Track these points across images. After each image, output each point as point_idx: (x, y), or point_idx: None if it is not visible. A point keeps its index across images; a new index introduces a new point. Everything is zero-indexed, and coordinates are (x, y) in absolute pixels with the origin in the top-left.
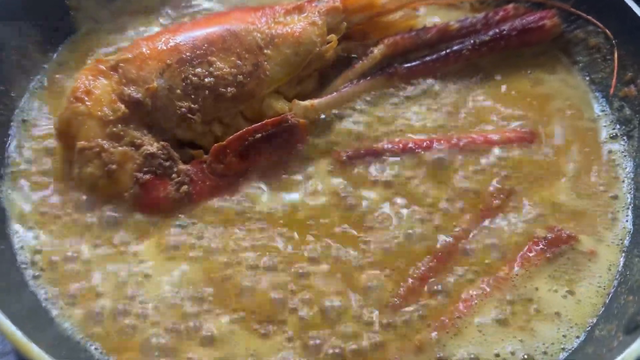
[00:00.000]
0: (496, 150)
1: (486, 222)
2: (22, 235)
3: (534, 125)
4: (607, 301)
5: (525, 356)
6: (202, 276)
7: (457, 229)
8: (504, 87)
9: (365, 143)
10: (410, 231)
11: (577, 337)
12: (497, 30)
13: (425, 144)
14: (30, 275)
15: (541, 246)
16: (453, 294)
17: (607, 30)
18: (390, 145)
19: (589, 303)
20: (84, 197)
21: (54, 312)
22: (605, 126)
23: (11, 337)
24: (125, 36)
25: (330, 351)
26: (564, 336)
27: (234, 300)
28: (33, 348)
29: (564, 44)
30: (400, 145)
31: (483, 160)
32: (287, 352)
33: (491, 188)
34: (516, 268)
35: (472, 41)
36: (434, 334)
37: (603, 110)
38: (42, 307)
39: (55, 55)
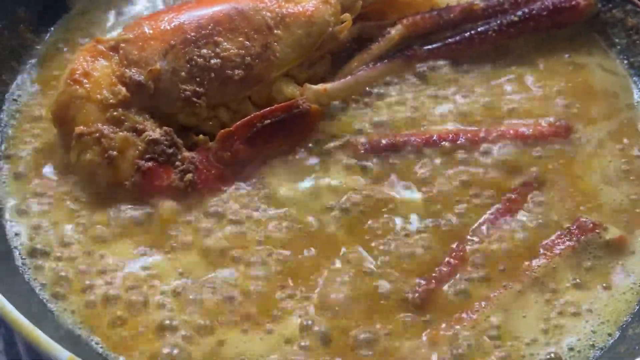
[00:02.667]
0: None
1: (509, 215)
2: (15, 224)
3: (568, 116)
4: None
5: (552, 354)
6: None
7: (478, 222)
8: (534, 73)
9: (384, 133)
10: (431, 227)
11: (609, 334)
12: (526, 10)
13: (450, 136)
14: (26, 264)
15: (564, 235)
16: (474, 291)
17: None
18: (412, 138)
19: (622, 299)
20: (82, 185)
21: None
22: None
23: (18, 326)
24: (123, 15)
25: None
26: (594, 332)
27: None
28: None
29: (600, 25)
30: (424, 138)
31: (512, 151)
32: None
33: (519, 179)
34: (539, 259)
35: (498, 22)
36: (454, 328)
37: None
38: (39, 298)
39: (47, 35)
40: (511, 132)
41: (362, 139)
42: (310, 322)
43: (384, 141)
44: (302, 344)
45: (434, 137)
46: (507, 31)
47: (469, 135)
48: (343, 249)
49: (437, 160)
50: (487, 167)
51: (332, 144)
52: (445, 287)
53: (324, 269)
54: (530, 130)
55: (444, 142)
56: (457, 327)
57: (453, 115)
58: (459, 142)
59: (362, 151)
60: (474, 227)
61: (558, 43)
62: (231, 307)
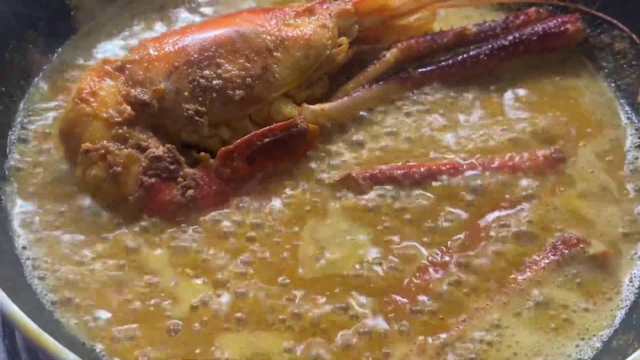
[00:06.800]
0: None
1: (492, 229)
2: (24, 239)
3: (557, 135)
4: (627, 312)
5: None
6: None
7: (459, 236)
8: (525, 96)
9: (380, 161)
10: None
11: (593, 347)
12: (517, 35)
13: (447, 168)
14: (34, 275)
15: (549, 250)
16: (454, 304)
17: (634, 35)
18: (406, 171)
19: (606, 313)
20: (88, 201)
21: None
22: (631, 135)
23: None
24: (127, 37)
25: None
26: (577, 345)
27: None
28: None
29: (589, 49)
30: (420, 170)
31: (504, 177)
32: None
33: (506, 196)
34: (524, 273)
35: (490, 45)
36: (438, 337)
37: (629, 118)
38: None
39: (55, 56)
40: (510, 163)
41: (358, 169)
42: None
43: (379, 174)
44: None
45: (434, 168)
46: (499, 54)
47: (464, 166)
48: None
49: (436, 197)
50: (472, 190)
51: (325, 168)
52: (424, 299)
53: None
54: (528, 162)
55: (443, 177)
56: (444, 336)
57: (448, 143)
58: (456, 176)
59: (361, 182)
60: (455, 238)
61: (548, 66)
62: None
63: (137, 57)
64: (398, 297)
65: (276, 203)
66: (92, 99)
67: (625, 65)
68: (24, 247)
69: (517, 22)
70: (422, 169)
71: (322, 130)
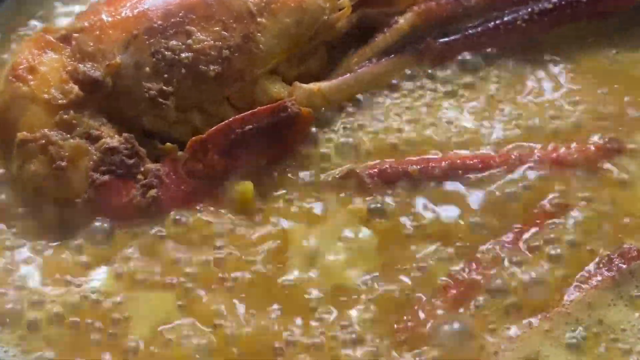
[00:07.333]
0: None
1: (531, 239)
2: None
3: (612, 126)
4: None
5: None
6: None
7: (489, 246)
8: (572, 72)
9: (390, 154)
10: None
11: None
12: None
13: (475, 163)
14: None
15: (603, 264)
16: (483, 331)
17: None
18: (423, 166)
19: None
20: (25, 201)
21: None
22: None
23: None
24: (75, 1)
25: None
26: None
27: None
28: None
29: None
30: (443, 165)
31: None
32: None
33: (549, 196)
34: (571, 293)
35: (529, 9)
36: None
37: None
38: None
39: None
40: (553, 155)
41: (365, 164)
42: None
43: (390, 170)
44: None
45: (458, 162)
46: (540, 21)
47: (496, 160)
48: None
49: (459, 197)
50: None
51: (324, 162)
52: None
53: None
54: (576, 154)
55: (469, 173)
56: None
57: (475, 131)
58: (488, 171)
59: (368, 180)
60: (485, 249)
61: (602, 36)
62: None
63: (86, 25)
64: (410, 323)
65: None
66: (30, 77)
67: None
68: None
69: None
70: (443, 164)
71: (318, 115)
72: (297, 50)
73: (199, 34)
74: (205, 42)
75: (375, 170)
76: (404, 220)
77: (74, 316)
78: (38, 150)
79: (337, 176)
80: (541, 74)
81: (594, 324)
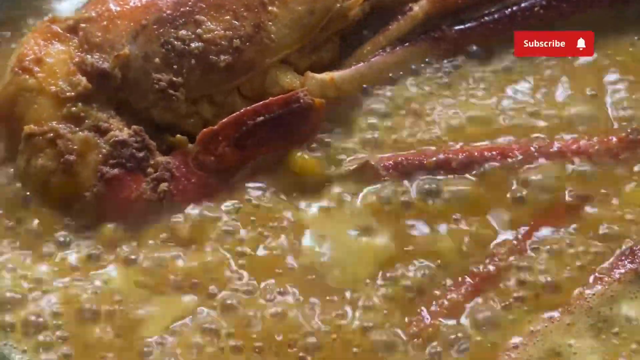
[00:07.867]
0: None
1: (547, 232)
2: None
3: (635, 117)
4: None
5: None
6: None
7: (508, 238)
8: (594, 60)
9: (406, 146)
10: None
11: None
12: None
13: (493, 154)
14: None
15: (626, 256)
16: (503, 325)
17: None
18: (440, 158)
19: None
20: (32, 197)
21: None
22: None
23: None
24: None
25: None
26: None
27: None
28: None
29: None
30: (460, 156)
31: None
32: None
33: (569, 189)
34: (593, 286)
35: None
36: None
37: None
38: None
39: None
40: (575, 146)
41: (380, 154)
42: None
43: (406, 161)
44: None
45: (476, 154)
46: (559, 7)
47: (517, 150)
48: None
49: (478, 187)
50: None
51: (338, 152)
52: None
53: None
54: (597, 144)
55: (487, 165)
56: None
57: (493, 122)
58: (505, 164)
59: (383, 171)
60: (503, 242)
61: (625, 22)
62: None
63: (93, 14)
64: (426, 319)
65: (272, 202)
66: (37, 68)
67: None
68: None
69: None
70: (460, 156)
71: (331, 105)
72: (310, 39)
73: (209, 23)
74: (216, 32)
75: (391, 162)
76: (419, 212)
77: (82, 314)
78: (46, 143)
79: (351, 169)
80: (560, 63)
81: (616, 317)
